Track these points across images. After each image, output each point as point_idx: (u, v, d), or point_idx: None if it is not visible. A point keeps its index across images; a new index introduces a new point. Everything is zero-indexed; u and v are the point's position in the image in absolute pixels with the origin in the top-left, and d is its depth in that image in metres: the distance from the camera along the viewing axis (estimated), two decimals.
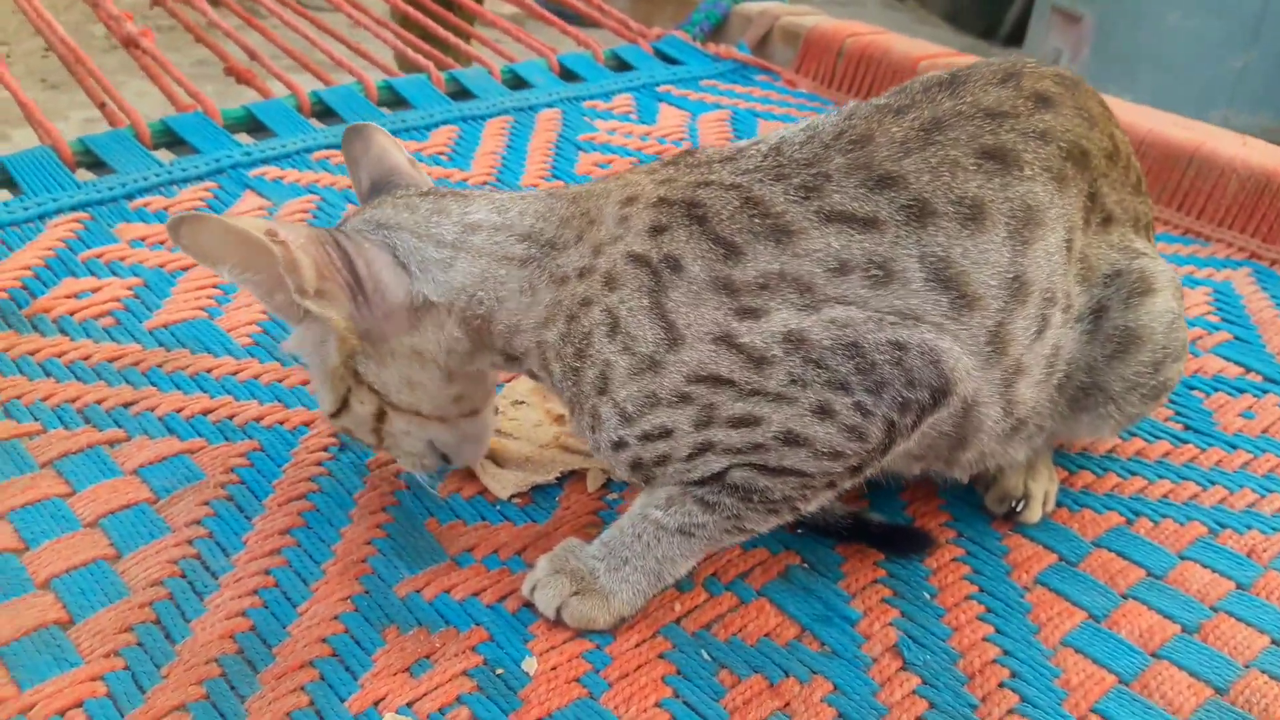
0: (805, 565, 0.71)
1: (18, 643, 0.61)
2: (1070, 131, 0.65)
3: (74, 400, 0.78)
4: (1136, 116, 1.21)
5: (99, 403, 0.78)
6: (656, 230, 0.61)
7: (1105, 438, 0.79)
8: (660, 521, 0.64)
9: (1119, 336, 0.67)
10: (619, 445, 0.62)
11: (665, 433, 0.60)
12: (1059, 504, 0.76)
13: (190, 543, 0.68)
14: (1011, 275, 0.61)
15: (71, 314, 0.87)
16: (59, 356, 0.83)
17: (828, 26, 1.42)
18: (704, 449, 0.61)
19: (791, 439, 0.59)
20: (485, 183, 1.13)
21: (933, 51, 1.36)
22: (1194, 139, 1.14)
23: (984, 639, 0.66)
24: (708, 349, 0.59)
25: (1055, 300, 0.64)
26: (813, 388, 0.58)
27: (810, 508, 0.64)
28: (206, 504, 0.71)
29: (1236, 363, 0.93)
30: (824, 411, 0.59)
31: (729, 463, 0.61)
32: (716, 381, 0.59)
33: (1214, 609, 0.69)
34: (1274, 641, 0.67)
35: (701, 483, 0.62)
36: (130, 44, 1.29)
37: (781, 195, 0.61)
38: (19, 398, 0.78)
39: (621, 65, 1.46)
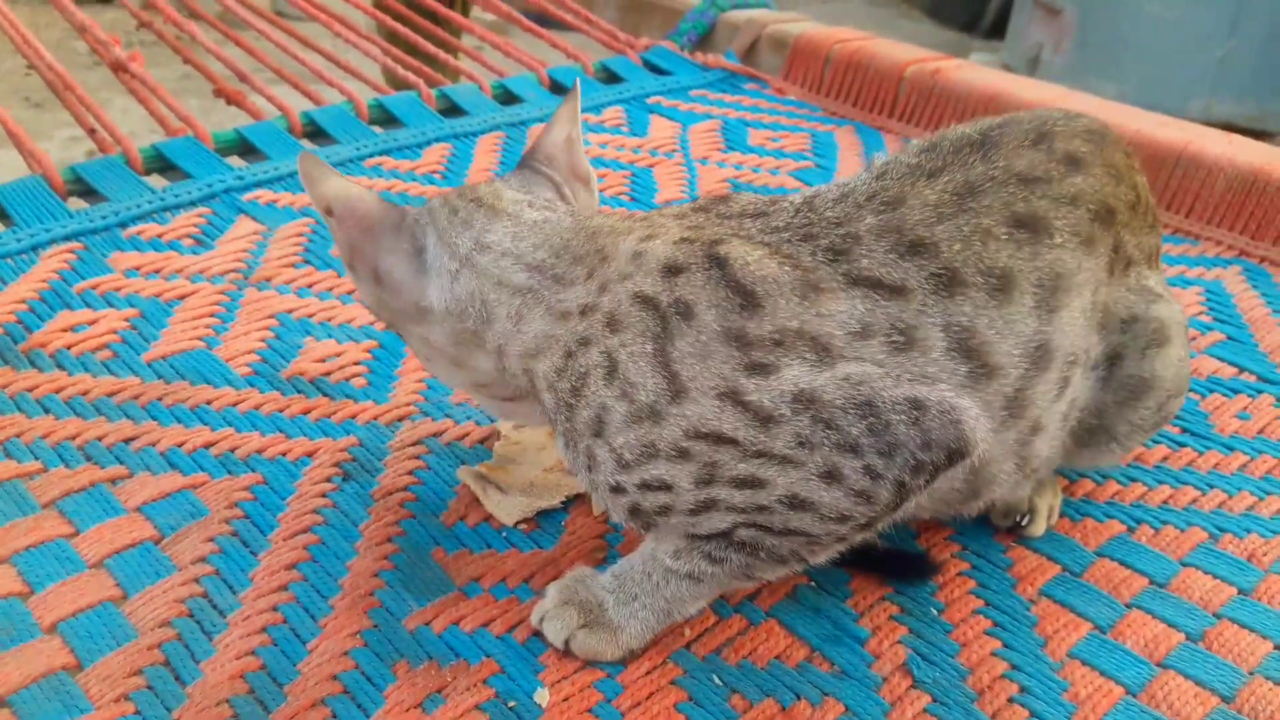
0: (813, 585, 0.71)
1: (26, 690, 0.61)
2: (1099, 192, 0.65)
3: (74, 437, 0.78)
4: (1124, 117, 1.21)
5: (100, 439, 0.78)
6: (671, 271, 0.60)
7: (1104, 467, 0.79)
8: (669, 566, 0.64)
9: (1132, 384, 0.67)
10: (616, 490, 0.61)
11: (664, 486, 0.60)
12: (1061, 514, 0.77)
13: (197, 581, 0.68)
14: (1036, 344, 0.61)
15: (69, 348, 0.87)
16: (57, 392, 0.82)
17: (815, 33, 1.43)
18: (707, 506, 0.60)
19: (797, 503, 0.59)
20: None
21: (919, 56, 1.36)
22: (1181, 138, 1.15)
23: (992, 654, 0.67)
24: (711, 404, 0.58)
25: (1077, 361, 0.64)
26: (821, 451, 0.57)
27: (819, 560, 0.64)
28: (211, 540, 0.71)
29: (1230, 363, 0.93)
30: (831, 476, 0.58)
31: (734, 521, 0.60)
32: (719, 440, 0.58)
33: (1217, 616, 0.69)
34: (1277, 647, 0.67)
35: (708, 538, 0.62)
36: (119, 69, 1.29)
37: (809, 255, 0.60)
38: (18, 436, 0.78)
39: (611, 77, 1.46)
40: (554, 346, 0.61)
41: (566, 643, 0.65)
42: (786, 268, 0.59)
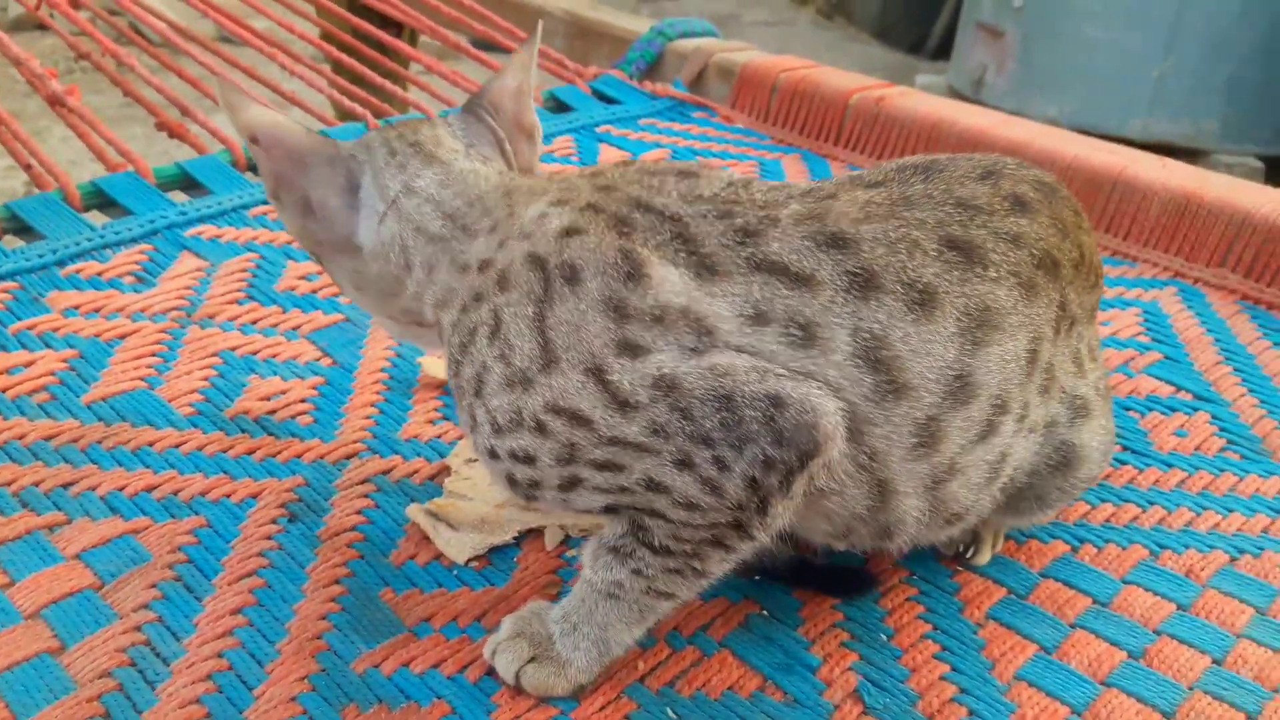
0: (764, 613, 0.71)
1: None
2: (1044, 240, 0.63)
3: (9, 484, 0.76)
4: (1061, 142, 1.24)
5: (36, 485, 0.76)
6: (568, 233, 0.59)
7: (1024, 527, 0.79)
8: (591, 581, 0.64)
9: (1065, 451, 0.67)
10: (492, 455, 0.61)
11: (529, 458, 0.59)
12: (1007, 536, 0.78)
13: (139, 629, 0.66)
14: (955, 373, 0.59)
15: (4, 391, 0.85)
16: None
17: (760, 62, 1.45)
18: (573, 483, 0.59)
19: (653, 485, 0.58)
20: None
21: (865, 84, 1.38)
22: (1117, 163, 1.18)
23: (941, 678, 0.67)
24: (575, 379, 0.57)
25: (1008, 409, 0.62)
26: (675, 439, 0.56)
27: (712, 568, 0.62)
28: (154, 586, 0.69)
29: (1168, 382, 0.95)
30: (684, 463, 0.57)
31: (605, 501, 0.60)
32: (575, 418, 0.57)
33: (1157, 632, 0.71)
34: (1215, 661, 0.69)
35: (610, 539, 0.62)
36: (56, 103, 1.27)
37: (718, 235, 0.59)
38: None
39: (560, 106, 1.46)
40: (454, 299, 0.62)
41: (517, 677, 0.65)
42: (685, 249, 0.58)
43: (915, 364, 0.58)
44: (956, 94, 3.44)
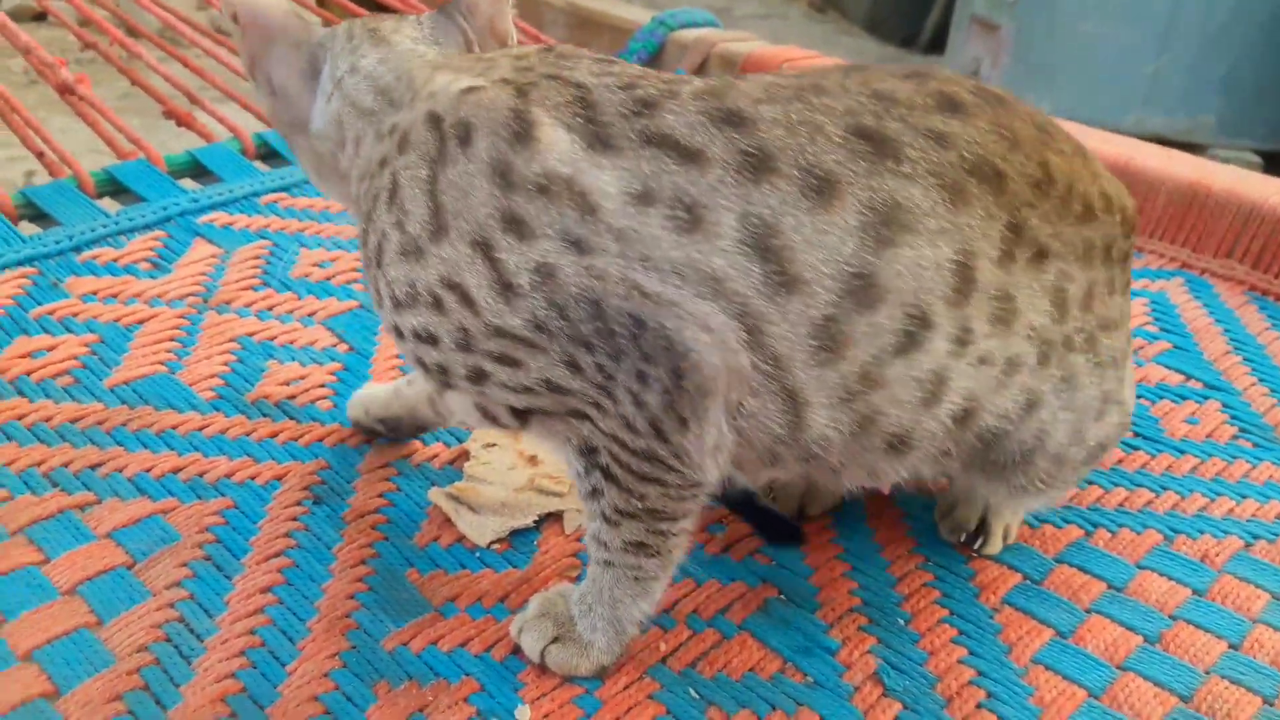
0: (782, 598, 0.72)
1: (6, 718, 0.60)
2: (980, 146, 0.58)
3: (39, 464, 0.77)
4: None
5: (65, 465, 0.77)
6: (468, 91, 0.58)
7: (1036, 509, 0.77)
8: (589, 553, 0.65)
9: (1032, 398, 0.64)
10: (397, 333, 0.61)
11: (431, 338, 0.58)
12: (1022, 521, 0.79)
13: (172, 605, 0.67)
14: (854, 271, 0.55)
15: (29, 374, 0.86)
16: (19, 419, 0.81)
17: (763, 52, 1.45)
18: (479, 376, 0.58)
19: (554, 387, 0.58)
20: None
21: None
22: (1122, 154, 1.19)
23: (959, 661, 0.68)
24: (464, 251, 0.55)
25: (933, 325, 0.57)
26: (559, 340, 0.56)
27: (660, 505, 0.61)
28: (185, 565, 0.70)
29: (1178, 370, 0.97)
30: (573, 365, 0.57)
31: (516, 402, 0.59)
32: (465, 298, 0.56)
33: (1173, 618, 0.72)
34: (1231, 646, 0.70)
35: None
36: (66, 91, 1.27)
37: (617, 104, 0.56)
38: None
39: None
40: (368, 169, 0.62)
41: (542, 655, 0.66)
42: (582, 115, 0.56)
43: (808, 255, 0.54)
44: None
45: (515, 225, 0.55)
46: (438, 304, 0.57)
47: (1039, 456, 0.66)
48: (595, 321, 0.55)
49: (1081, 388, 0.65)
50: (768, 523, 0.76)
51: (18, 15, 2.99)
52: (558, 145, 0.55)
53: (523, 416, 0.61)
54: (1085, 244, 0.63)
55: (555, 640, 0.66)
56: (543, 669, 0.66)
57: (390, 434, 0.81)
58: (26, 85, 2.97)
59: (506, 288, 0.55)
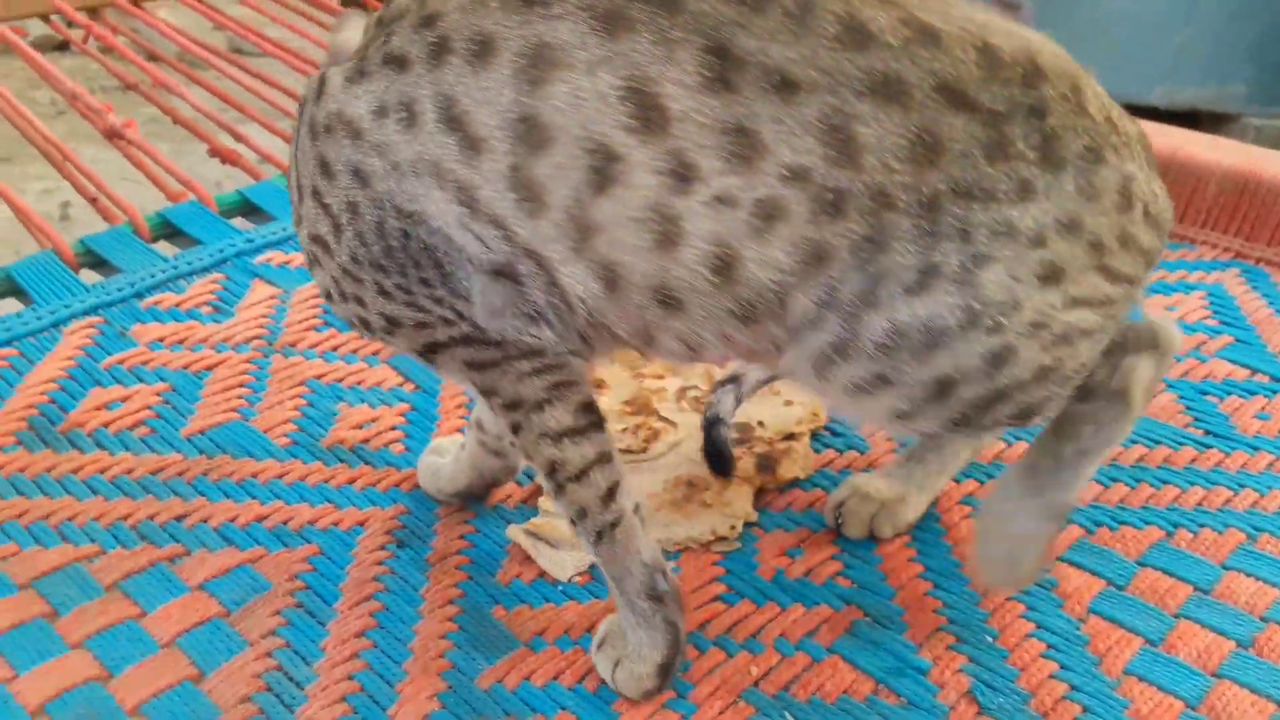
0: (868, 619, 0.72)
1: None
2: None
3: (126, 517, 0.78)
4: None
5: (151, 518, 0.79)
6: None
7: (898, 433, 0.73)
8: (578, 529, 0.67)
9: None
10: (326, 296, 0.67)
11: (329, 294, 0.65)
12: (1100, 523, 0.79)
13: (270, 654, 0.69)
14: (516, 116, 0.56)
15: (105, 426, 0.87)
16: (102, 472, 0.83)
17: None
18: (366, 325, 0.65)
19: (391, 320, 0.64)
20: None
21: None
22: (1169, 145, 1.18)
23: (1050, 676, 0.68)
24: (310, 203, 0.63)
25: (619, 156, 0.55)
26: (364, 268, 0.62)
27: (558, 418, 0.64)
28: (278, 613, 0.71)
29: (1243, 365, 0.96)
30: (384, 293, 0.63)
31: (409, 345, 0.65)
32: (325, 248, 0.63)
33: (1264, 619, 0.72)
34: None
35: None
36: (114, 136, 1.29)
37: (379, 38, 0.60)
38: (71, 519, 0.78)
39: None
40: None
41: (615, 684, 0.67)
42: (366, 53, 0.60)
43: (480, 114, 0.56)
44: None
45: (324, 167, 0.61)
46: (315, 260, 0.64)
47: (853, 339, 0.58)
48: (381, 242, 0.60)
49: (895, 253, 0.56)
50: (712, 451, 0.82)
51: (40, 46, 3.03)
52: (333, 86, 0.60)
53: (430, 358, 0.66)
54: (882, 80, 0.54)
55: (617, 664, 0.67)
56: (629, 700, 0.66)
57: (470, 500, 0.82)
58: (54, 116, 3.02)
59: (337, 228, 0.61)
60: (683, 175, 0.55)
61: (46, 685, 0.66)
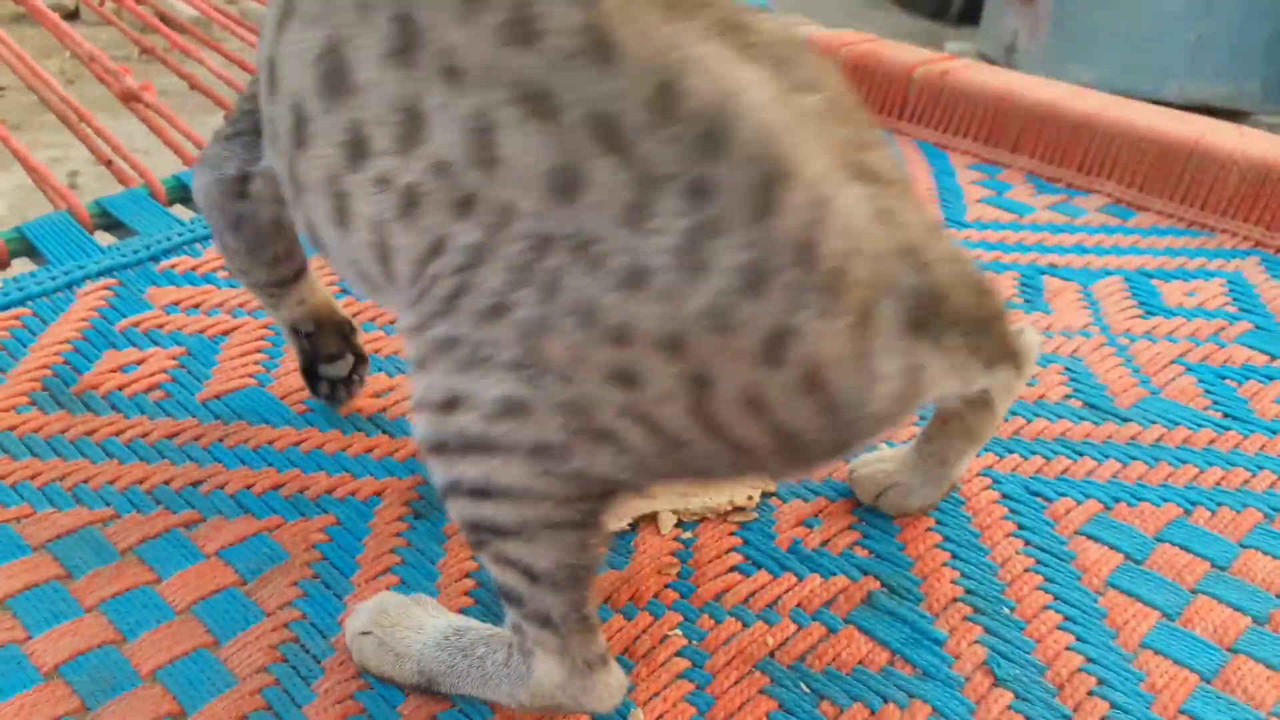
0: (885, 590, 0.72)
1: None
2: None
3: (141, 481, 0.78)
4: (1135, 114, 1.23)
5: (167, 483, 0.78)
6: None
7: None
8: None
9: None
10: None
11: None
12: (1118, 499, 0.79)
13: (286, 626, 0.68)
14: (264, 58, 0.58)
15: (121, 388, 0.87)
16: (117, 435, 0.82)
17: (820, 38, 1.44)
18: None
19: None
20: None
21: (928, 57, 1.38)
22: (1192, 132, 1.17)
23: (1067, 648, 0.68)
24: None
25: (307, 117, 0.54)
26: None
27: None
28: (295, 584, 0.71)
29: (1262, 350, 0.96)
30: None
31: None
32: None
33: None
34: None
35: None
36: (131, 99, 1.28)
37: None
38: (86, 481, 0.78)
39: None
40: None
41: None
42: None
43: (279, 61, 0.56)
44: (988, 61, 3.41)
45: None
46: None
47: (425, 342, 0.53)
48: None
49: (487, 271, 0.49)
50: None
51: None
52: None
53: None
54: (535, 91, 0.47)
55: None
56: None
57: None
58: (64, 85, 3.01)
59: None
60: (355, 148, 0.52)
61: (61, 647, 0.66)
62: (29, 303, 0.98)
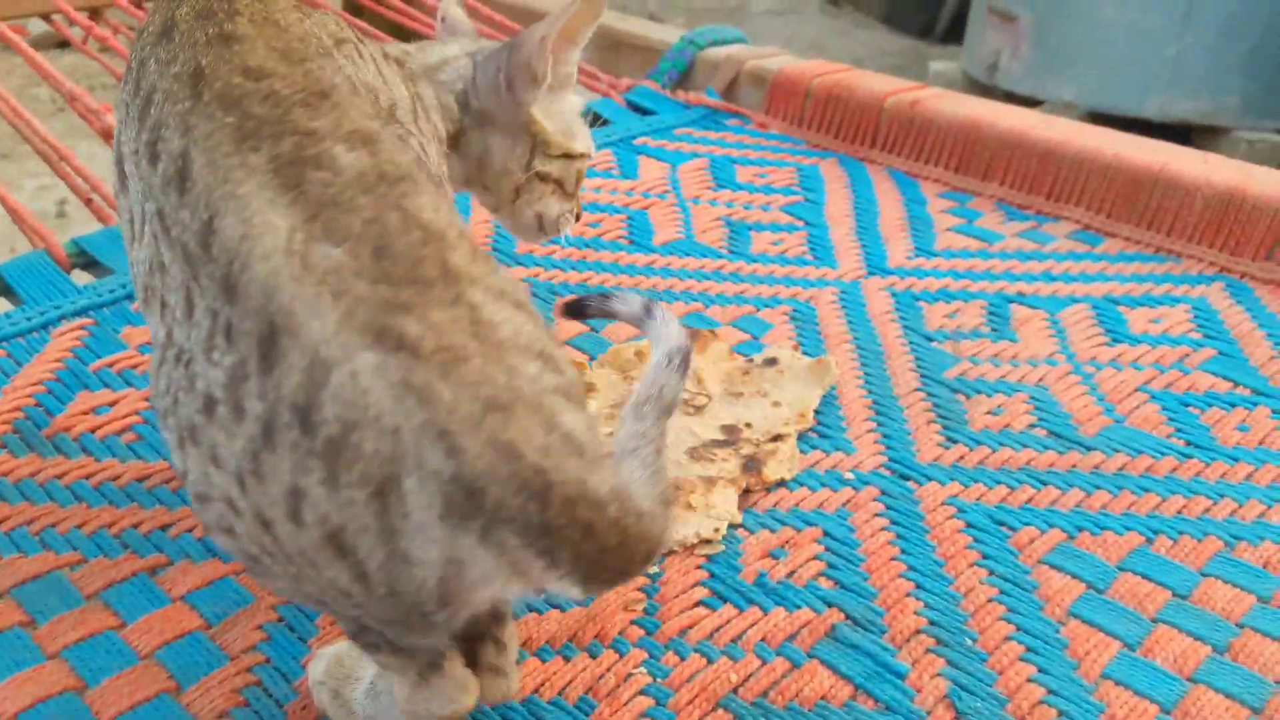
0: (849, 622, 0.73)
1: None
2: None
3: (109, 526, 0.79)
4: (1101, 140, 1.25)
5: (135, 526, 0.79)
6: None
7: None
8: None
9: None
10: None
11: None
12: (1082, 528, 0.79)
13: (250, 670, 0.68)
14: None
15: (93, 431, 0.88)
16: (88, 478, 0.83)
17: (793, 68, 1.46)
18: None
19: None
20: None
21: (899, 86, 1.39)
22: (1158, 160, 1.19)
23: (1029, 680, 0.69)
24: None
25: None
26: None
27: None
28: (260, 628, 0.71)
29: (1224, 377, 0.97)
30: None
31: None
32: None
33: (1240, 625, 0.72)
34: None
35: None
36: (112, 137, 1.29)
37: None
38: (53, 526, 0.78)
39: (596, 120, 1.48)
40: None
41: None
42: None
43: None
44: (971, 80, 3.44)
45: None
46: None
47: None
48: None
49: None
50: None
51: (41, 44, 3.06)
52: None
53: None
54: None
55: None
56: None
57: None
58: (54, 113, 3.03)
59: None
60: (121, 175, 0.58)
61: (21, 695, 0.66)
62: (3, 344, 0.98)
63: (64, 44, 2.88)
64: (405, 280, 0.44)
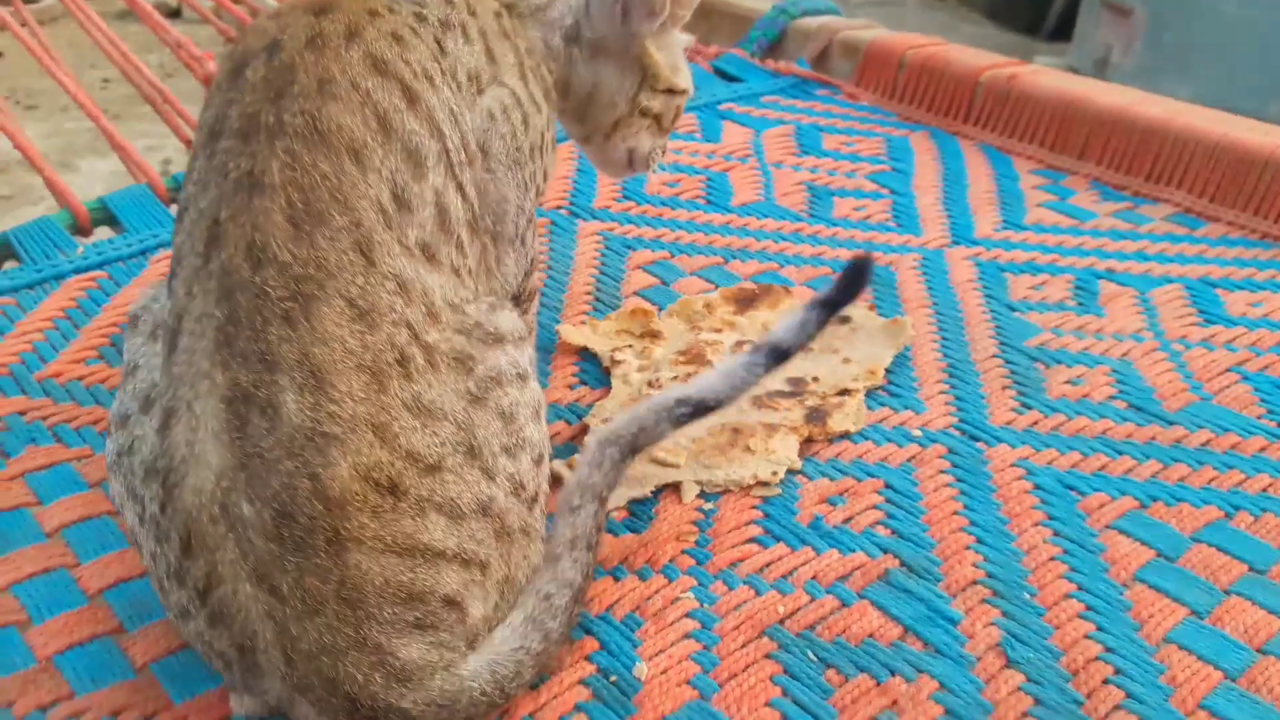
0: (904, 569, 0.72)
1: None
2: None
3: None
4: (1206, 120, 1.20)
5: None
6: None
7: None
8: None
9: None
10: None
11: None
12: (1156, 498, 0.77)
13: None
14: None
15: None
16: None
17: (887, 39, 1.44)
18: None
19: None
20: (558, 206, 1.16)
21: (996, 61, 1.37)
22: (1269, 142, 1.14)
23: (1086, 636, 0.67)
24: None
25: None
26: None
27: None
28: None
29: None
30: None
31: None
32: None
33: None
34: None
35: None
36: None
37: None
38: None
39: None
40: None
41: None
42: None
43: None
44: (1082, 77, 3.34)
45: None
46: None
47: None
48: None
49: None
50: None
51: (125, 16, 3.19)
52: None
53: None
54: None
55: None
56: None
57: None
58: (162, 80, 3.15)
59: None
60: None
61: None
62: (106, 266, 1.03)
63: (175, 13, 3.03)
64: (293, 547, 0.54)
